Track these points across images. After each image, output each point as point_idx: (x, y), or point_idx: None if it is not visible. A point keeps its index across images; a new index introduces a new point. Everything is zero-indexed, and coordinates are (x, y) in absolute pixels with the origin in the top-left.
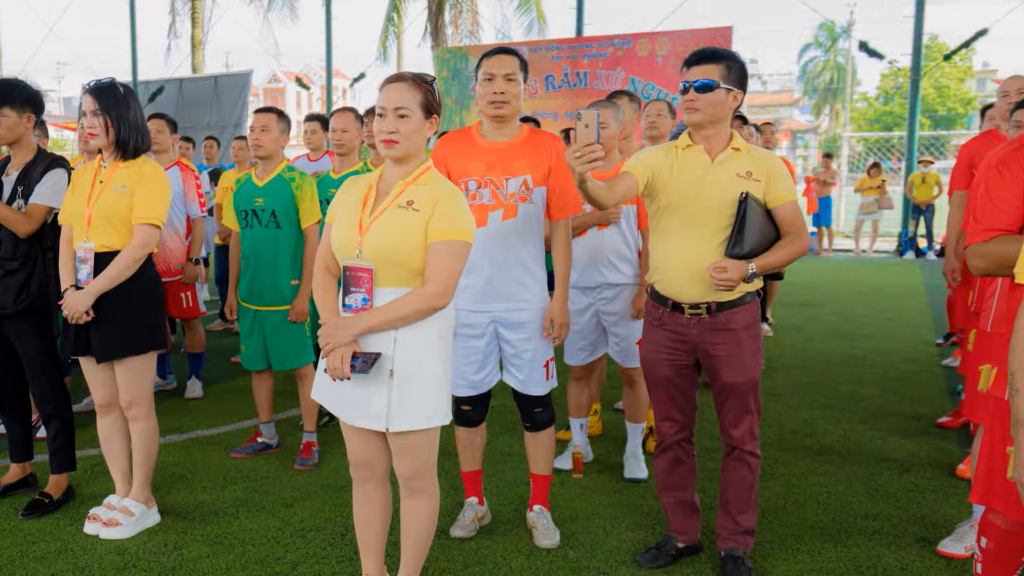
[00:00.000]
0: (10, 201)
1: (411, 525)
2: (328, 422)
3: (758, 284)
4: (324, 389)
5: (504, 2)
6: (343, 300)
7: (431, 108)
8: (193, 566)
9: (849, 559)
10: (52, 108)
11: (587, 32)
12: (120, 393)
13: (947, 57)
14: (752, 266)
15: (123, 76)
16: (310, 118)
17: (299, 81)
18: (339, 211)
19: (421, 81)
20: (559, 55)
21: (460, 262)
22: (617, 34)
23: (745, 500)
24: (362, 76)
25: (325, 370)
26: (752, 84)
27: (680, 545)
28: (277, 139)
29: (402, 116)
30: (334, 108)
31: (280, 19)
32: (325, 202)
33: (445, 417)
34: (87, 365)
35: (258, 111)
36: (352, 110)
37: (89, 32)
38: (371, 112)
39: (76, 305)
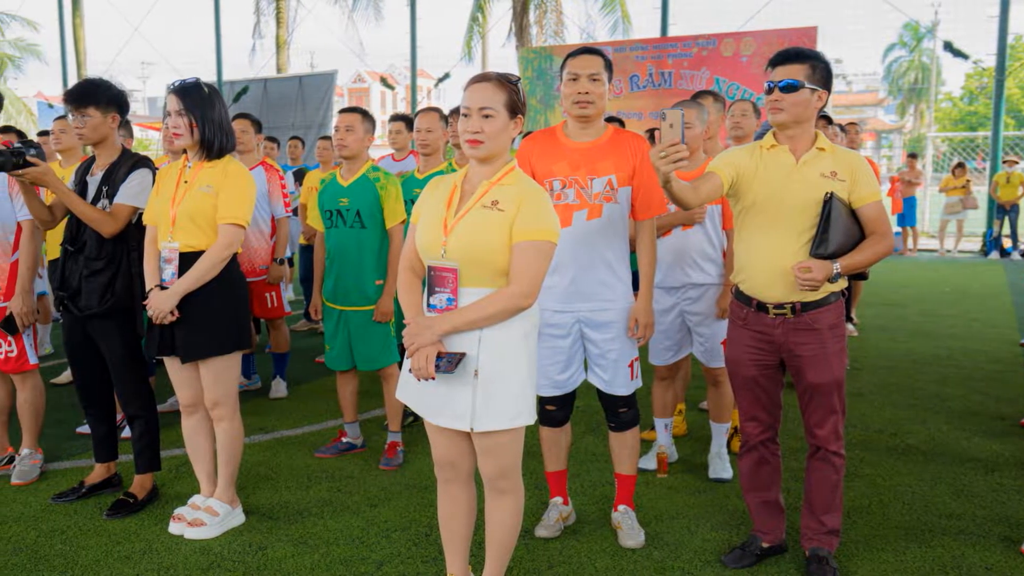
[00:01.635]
0: (95, 201)
1: (496, 525)
2: (413, 422)
3: (842, 284)
4: (409, 389)
5: (589, 2)
6: (428, 300)
7: (516, 108)
8: (277, 566)
9: (933, 559)
10: (137, 108)
11: (672, 32)
12: (205, 393)
13: None
14: (836, 266)
15: (208, 76)
16: (395, 118)
17: (384, 81)
18: (423, 211)
19: (506, 81)
20: (644, 55)
21: (545, 262)
22: (702, 34)
23: (829, 500)
24: (447, 76)
25: (410, 370)
26: (837, 84)
27: (765, 545)
28: (362, 139)
29: (487, 116)
30: (419, 108)
31: (365, 19)
32: (410, 202)
33: (530, 417)
34: (172, 365)
35: (343, 111)
36: (437, 110)
37: (174, 32)
38: (456, 112)
39: (161, 305)
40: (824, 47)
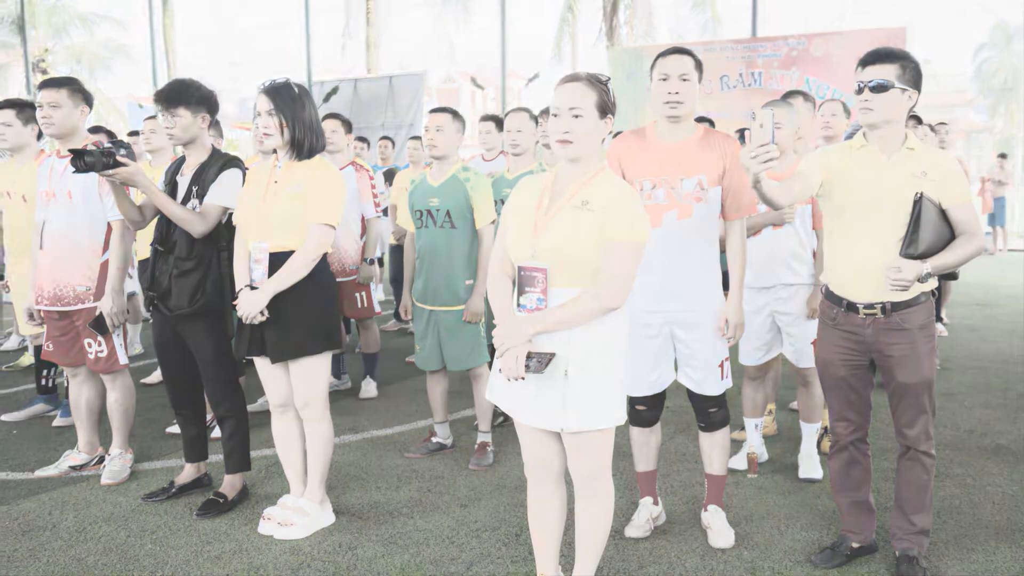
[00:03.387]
0: (185, 201)
1: (586, 525)
2: (503, 422)
3: (933, 284)
4: (499, 389)
5: (679, 2)
6: (518, 300)
7: (606, 108)
8: (368, 566)
9: None
10: (227, 108)
11: (762, 32)
12: (295, 393)
13: None
14: (927, 266)
15: (298, 76)
16: (485, 118)
17: (474, 81)
18: (513, 211)
19: (596, 81)
20: (734, 55)
21: (634, 263)
22: (792, 34)
23: (920, 500)
24: (536, 76)
25: (500, 370)
26: (926, 84)
27: (855, 545)
28: (452, 139)
29: (577, 116)
30: (508, 108)
31: (455, 19)
32: (500, 202)
33: (620, 417)
34: (262, 365)
35: (433, 111)
36: (527, 110)
37: (264, 32)
38: (546, 112)
39: (251, 305)
40: (914, 47)
